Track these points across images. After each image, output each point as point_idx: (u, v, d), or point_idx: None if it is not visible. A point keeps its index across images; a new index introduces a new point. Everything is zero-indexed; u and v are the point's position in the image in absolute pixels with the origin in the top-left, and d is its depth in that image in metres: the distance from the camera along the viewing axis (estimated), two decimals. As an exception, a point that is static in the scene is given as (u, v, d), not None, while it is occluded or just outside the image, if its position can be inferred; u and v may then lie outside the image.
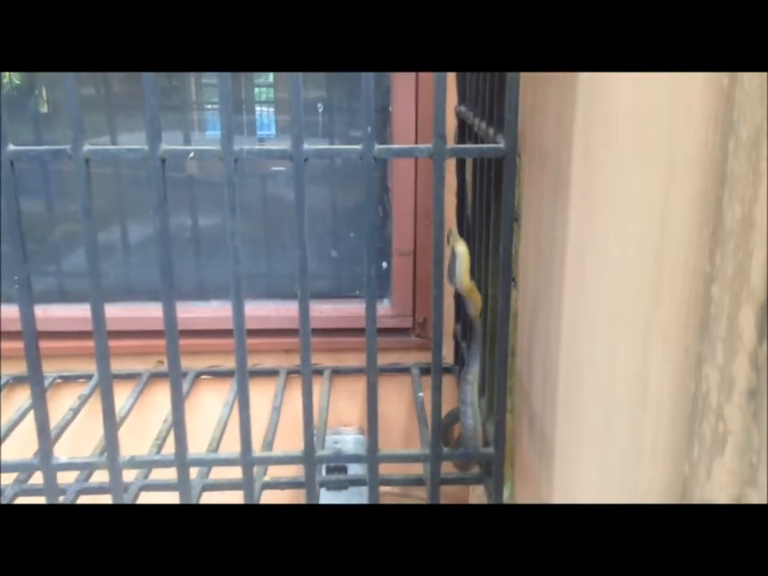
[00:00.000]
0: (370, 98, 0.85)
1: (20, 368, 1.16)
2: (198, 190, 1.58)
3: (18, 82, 1.54)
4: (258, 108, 1.59)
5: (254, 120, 1.58)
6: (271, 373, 1.52)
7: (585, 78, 0.80)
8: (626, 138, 0.69)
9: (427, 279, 1.51)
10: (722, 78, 0.53)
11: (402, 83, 1.43)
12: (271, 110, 1.60)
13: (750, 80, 0.49)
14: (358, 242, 1.60)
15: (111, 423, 0.96)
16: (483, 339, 1.10)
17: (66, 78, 0.85)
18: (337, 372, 1.55)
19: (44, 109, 1.56)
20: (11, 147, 0.88)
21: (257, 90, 1.60)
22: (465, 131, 1.27)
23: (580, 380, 0.82)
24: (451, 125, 1.31)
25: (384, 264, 1.60)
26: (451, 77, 1.28)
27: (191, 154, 0.88)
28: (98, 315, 0.92)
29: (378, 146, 0.87)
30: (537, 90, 0.96)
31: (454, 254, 1.01)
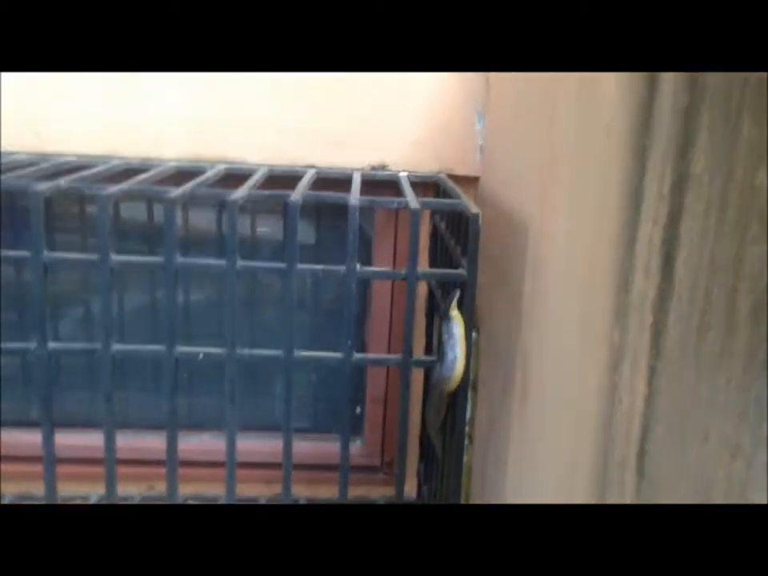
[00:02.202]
0: (355, 225, 1.02)
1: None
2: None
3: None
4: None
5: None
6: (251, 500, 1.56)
7: (535, 226, 0.98)
8: (559, 267, 0.85)
9: (396, 422, 1.60)
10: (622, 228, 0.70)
11: (382, 216, 1.60)
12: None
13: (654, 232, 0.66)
14: (336, 385, 1.71)
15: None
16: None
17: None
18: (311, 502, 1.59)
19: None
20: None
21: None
22: (437, 239, 1.41)
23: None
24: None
25: (358, 409, 1.70)
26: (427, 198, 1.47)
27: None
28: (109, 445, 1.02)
29: (360, 267, 1.03)
30: (496, 227, 1.14)
31: (449, 334, 1.08)
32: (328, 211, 1.52)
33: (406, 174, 1.39)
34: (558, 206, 0.91)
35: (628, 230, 0.68)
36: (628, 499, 0.66)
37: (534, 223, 1.01)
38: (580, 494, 0.78)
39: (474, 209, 1.03)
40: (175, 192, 1.05)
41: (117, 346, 1.04)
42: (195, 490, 1.58)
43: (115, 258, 1.02)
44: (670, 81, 0.61)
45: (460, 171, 1.40)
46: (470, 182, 1.41)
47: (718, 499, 0.51)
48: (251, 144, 1.41)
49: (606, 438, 0.73)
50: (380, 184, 1.37)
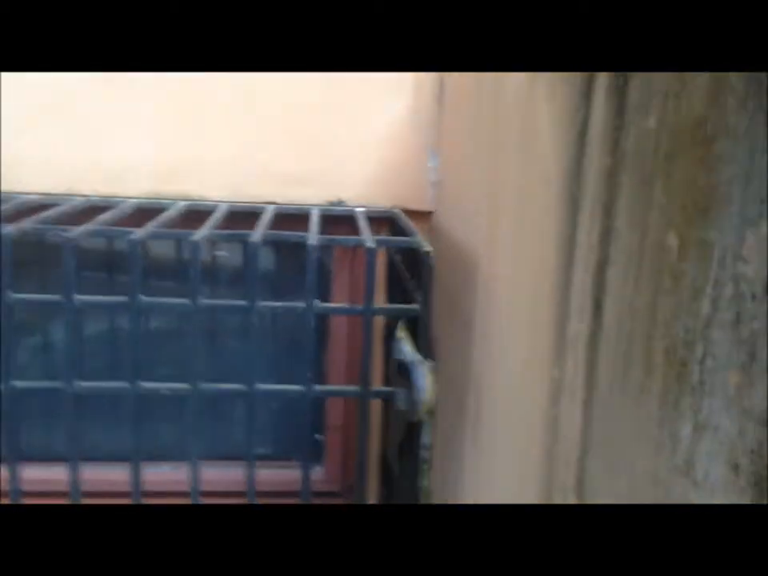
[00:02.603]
0: (313, 264, 1.07)
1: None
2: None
3: None
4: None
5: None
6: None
7: (484, 263, 1.05)
8: (505, 304, 0.92)
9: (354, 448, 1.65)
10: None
11: (340, 251, 1.65)
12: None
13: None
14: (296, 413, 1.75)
15: None
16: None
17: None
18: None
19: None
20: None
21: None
22: (393, 270, 1.46)
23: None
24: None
25: (318, 436, 1.74)
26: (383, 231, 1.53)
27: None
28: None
29: (318, 304, 1.08)
30: (449, 260, 1.20)
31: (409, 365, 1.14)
32: (287, 244, 1.57)
33: (362, 209, 1.45)
34: (504, 246, 0.98)
35: (563, 275, 0.74)
36: (568, 523, 0.72)
37: (483, 261, 1.08)
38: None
39: (426, 247, 1.09)
40: (138, 233, 1.08)
41: (80, 384, 1.07)
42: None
43: (79, 298, 1.05)
44: (596, 143, 0.68)
45: (414, 206, 1.47)
46: (423, 216, 1.47)
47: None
48: (211, 182, 1.45)
49: (549, 465, 0.79)
50: (337, 219, 1.43)
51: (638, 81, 0.61)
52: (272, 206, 1.42)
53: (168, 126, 1.44)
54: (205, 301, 1.06)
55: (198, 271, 1.07)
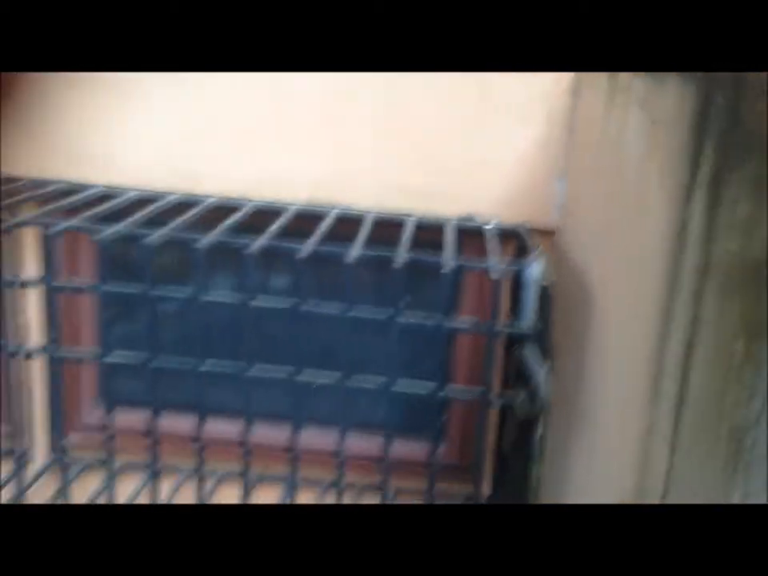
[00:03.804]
0: (449, 286, 1.25)
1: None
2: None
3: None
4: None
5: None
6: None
7: (598, 290, 1.19)
8: (614, 331, 1.07)
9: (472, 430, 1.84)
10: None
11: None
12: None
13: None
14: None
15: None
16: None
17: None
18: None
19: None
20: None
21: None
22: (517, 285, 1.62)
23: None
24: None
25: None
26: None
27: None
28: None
29: (449, 322, 1.26)
30: (568, 278, 1.36)
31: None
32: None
33: (492, 224, 1.61)
34: (616, 280, 1.13)
35: (661, 337, 0.89)
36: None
37: (598, 286, 1.22)
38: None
39: (547, 281, 1.25)
40: (305, 249, 1.31)
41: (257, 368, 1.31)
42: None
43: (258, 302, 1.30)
44: (693, 240, 0.82)
45: (539, 225, 1.62)
46: (547, 234, 1.61)
47: None
48: (359, 194, 1.66)
49: (639, 479, 0.95)
50: (469, 234, 1.60)
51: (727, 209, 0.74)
52: (413, 218, 1.61)
53: (324, 141, 1.65)
54: (354, 313, 1.28)
55: (351, 289, 1.28)
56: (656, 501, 0.87)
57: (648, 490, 0.91)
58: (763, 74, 0.69)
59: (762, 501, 0.62)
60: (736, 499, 0.66)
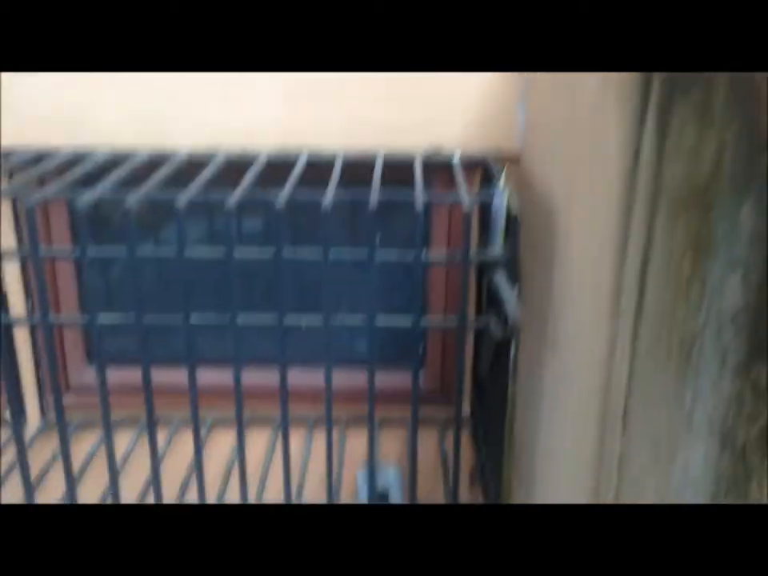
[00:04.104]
0: (420, 222, 1.32)
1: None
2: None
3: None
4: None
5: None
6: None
7: (562, 213, 1.26)
8: (577, 254, 1.14)
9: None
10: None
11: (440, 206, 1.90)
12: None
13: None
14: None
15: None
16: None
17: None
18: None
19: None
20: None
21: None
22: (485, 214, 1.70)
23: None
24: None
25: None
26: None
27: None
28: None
29: (425, 256, 1.33)
30: (533, 203, 1.42)
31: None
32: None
33: (458, 155, 1.67)
34: (579, 204, 1.19)
35: (621, 255, 0.97)
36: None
37: (562, 211, 1.29)
38: (588, 443, 1.10)
39: (514, 210, 1.31)
40: (281, 198, 1.36)
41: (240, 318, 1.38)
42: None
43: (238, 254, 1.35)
44: (645, 163, 0.88)
45: (504, 151, 1.67)
46: (513, 160, 1.67)
47: None
48: (327, 133, 1.70)
49: (605, 396, 1.04)
50: (437, 168, 1.65)
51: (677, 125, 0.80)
52: (380, 155, 1.65)
53: (289, 88, 1.68)
54: (333, 257, 1.34)
55: (329, 237, 1.33)
56: (619, 405, 0.96)
57: (611, 404, 1.01)
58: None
59: (710, 399, 0.70)
60: (688, 398, 0.74)
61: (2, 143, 1.67)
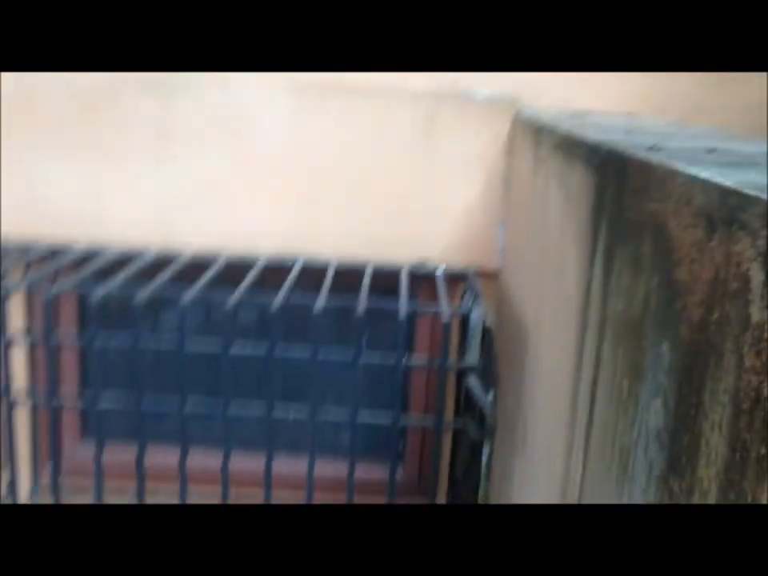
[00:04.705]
0: (403, 329, 1.45)
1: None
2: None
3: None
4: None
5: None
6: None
7: (533, 329, 1.40)
8: (545, 366, 1.27)
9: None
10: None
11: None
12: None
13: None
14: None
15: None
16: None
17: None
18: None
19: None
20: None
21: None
22: (465, 325, 1.85)
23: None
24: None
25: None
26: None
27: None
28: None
29: (405, 361, 1.46)
30: (509, 318, 1.56)
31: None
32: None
33: (442, 269, 1.82)
34: (547, 322, 1.33)
35: (575, 379, 1.09)
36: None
37: (533, 324, 1.43)
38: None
39: (490, 322, 1.45)
40: (276, 301, 1.49)
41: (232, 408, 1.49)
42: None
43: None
44: (595, 294, 1.02)
45: (484, 268, 1.83)
46: (491, 276, 1.82)
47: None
48: (323, 243, 1.85)
49: (564, 488, 1.14)
50: (422, 279, 1.80)
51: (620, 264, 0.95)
52: (370, 265, 1.80)
53: (289, 200, 1.84)
54: (321, 357, 1.46)
55: (317, 332, 1.46)
56: (576, 491, 1.07)
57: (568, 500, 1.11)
58: (642, 170, 0.90)
59: (642, 497, 0.81)
60: (625, 500, 0.85)
61: (21, 236, 1.81)
